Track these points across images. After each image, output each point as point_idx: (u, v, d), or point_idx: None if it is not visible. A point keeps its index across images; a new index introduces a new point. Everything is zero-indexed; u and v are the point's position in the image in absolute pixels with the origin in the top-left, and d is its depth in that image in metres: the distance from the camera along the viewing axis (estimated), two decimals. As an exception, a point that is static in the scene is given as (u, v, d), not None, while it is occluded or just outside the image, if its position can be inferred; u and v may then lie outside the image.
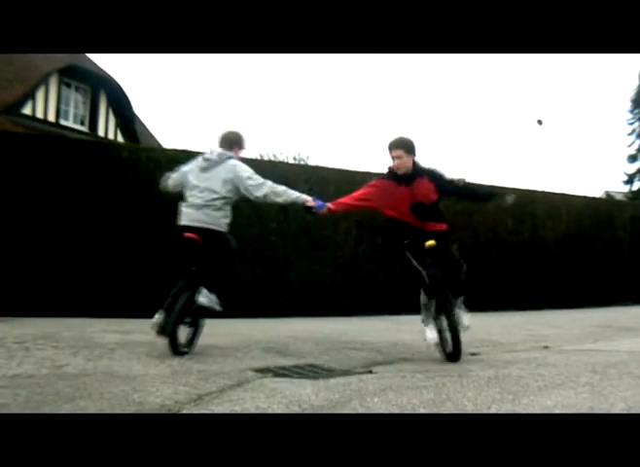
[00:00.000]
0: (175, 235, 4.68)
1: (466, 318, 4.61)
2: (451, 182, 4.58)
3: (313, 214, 4.69)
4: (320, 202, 4.58)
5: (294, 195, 4.61)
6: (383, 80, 62.52)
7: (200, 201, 4.52)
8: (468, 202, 9.42)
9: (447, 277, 4.47)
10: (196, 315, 4.57)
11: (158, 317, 4.37)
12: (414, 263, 4.44)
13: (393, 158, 4.44)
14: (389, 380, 3.52)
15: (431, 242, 4.42)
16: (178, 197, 4.60)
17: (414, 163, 4.48)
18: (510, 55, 61.25)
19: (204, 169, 4.62)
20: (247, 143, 4.96)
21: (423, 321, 4.57)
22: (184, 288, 4.48)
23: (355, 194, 4.63)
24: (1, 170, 7.72)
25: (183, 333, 4.49)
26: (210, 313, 4.64)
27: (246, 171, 4.59)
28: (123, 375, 3.61)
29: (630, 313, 10.14)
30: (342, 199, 4.66)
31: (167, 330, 4.33)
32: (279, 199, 4.60)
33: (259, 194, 4.54)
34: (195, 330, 4.64)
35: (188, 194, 4.63)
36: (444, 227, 4.59)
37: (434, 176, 4.52)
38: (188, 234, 4.52)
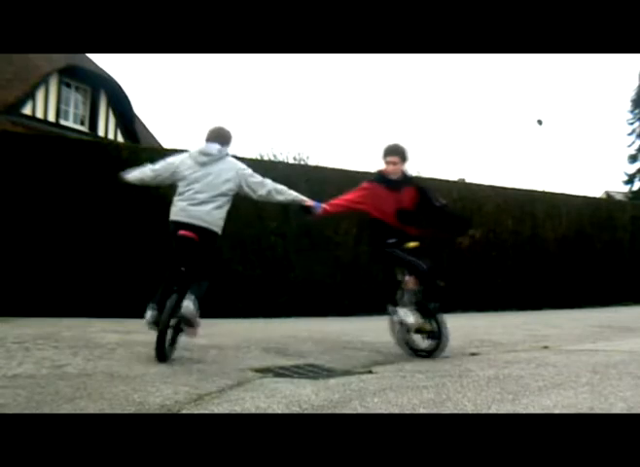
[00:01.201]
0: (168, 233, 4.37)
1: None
2: (434, 205, 4.77)
3: (309, 214, 4.76)
4: (316, 203, 4.68)
5: (293, 194, 4.64)
6: (383, 80, 62.53)
7: (203, 197, 4.28)
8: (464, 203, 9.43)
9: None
10: (179, 319, 4.17)
11: (150, 314, 4.14)
12: (404, 257, 4.61)
13: (388, 163, 4.67)
14: (389, 380, 3.52)
15: (414, 243, 4.62)
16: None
17: (403, 171, 4.75)
18: (510, 55, 61.25)
19: (203, 164, 4.38)
20: (231, 138, 4.68)
21: (396, 312, 4.71)
22: (172, 290, 4.19)
23: (348, 195, 4.80)
24: (1, 170, 7.72)
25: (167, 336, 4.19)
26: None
27: (247, 169, 4.52)
28: (123, 375, 3.61)
29: (630, 313, 10.14)
30: (336, 201, 4.80)
31: (161, 326, 4.04)
32: (281, 197, 4.57)
33: (262, 191, 4.49)
34: (177, 333, 4.28)
35: (184, 187, 4.35)
36: (424, 233, 4.82)
37: (422, 191, 4.79)
38: (184, 233, 4.24)
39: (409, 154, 4.75)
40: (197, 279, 4.28)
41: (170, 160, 4.53)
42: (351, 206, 4.81)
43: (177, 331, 4.26)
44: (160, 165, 4.52)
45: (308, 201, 4.66)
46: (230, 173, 4.40)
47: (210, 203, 4.29)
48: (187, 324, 4.17)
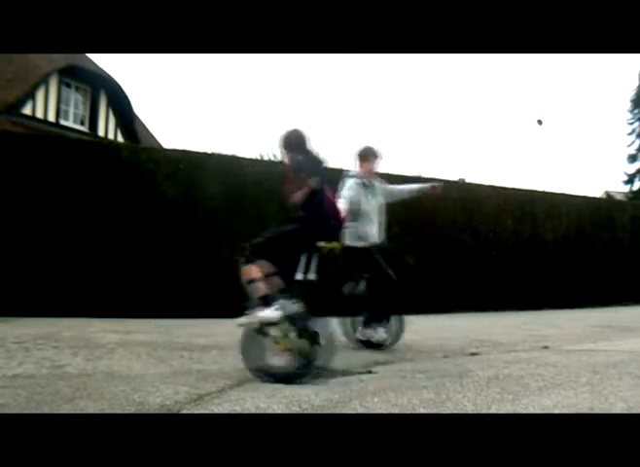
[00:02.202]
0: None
1: None
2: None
3: None
4: None
5: None
6: (383, 80, 62.54)
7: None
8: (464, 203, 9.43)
9: None
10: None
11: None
12: None
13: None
14: (389, 380, 3.52)
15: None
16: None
17: (294, 158, 4.03)
18: (510, 55, 61.27)
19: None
20: (373, 155, 5.33)
21: None
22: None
23: None
24: (1, 170, 7.72)
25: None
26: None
27: (342, 189, 5.13)
28: (123, 375, 3.61)
29: (630, 313, 10.14)
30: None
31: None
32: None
33: None
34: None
35: None
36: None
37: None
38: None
39: (295, 139, 4.08)
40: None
41: None
42: None
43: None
44: None
45: None
46: None
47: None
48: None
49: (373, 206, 5.25)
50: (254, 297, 3.68)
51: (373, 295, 5.08)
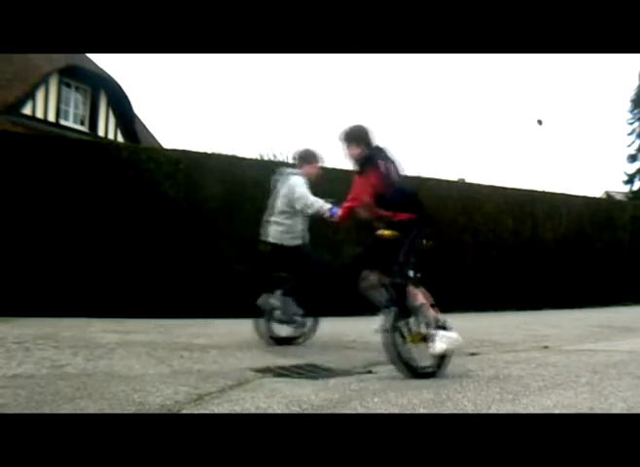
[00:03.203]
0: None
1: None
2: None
3: (333, 223, 4.90)
4: (334, 210, 4.73)
5: (317, 205, 4.89)
6: (383, 80, 62.54)
7: (267, 218, 5.20)
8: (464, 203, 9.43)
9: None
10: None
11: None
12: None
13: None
14: (389, 380, 3.52)
15: (382, 232, 3.97)
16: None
17: (367, 152, 4.12)
18: (510, 55, 61.32)
19: (274, 188, 5.26)
20: (320, 158, 5.38)
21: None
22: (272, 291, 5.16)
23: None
24: (1, 170, 7.72)
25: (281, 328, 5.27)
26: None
27: (297, 186, 5.03)
28: (123, 375, 3.61)
29: (630, 313, 10.15)
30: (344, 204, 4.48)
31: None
32: (310, 211, 4.99)
33: (298, 207, 5.01)
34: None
35: None
36: (402, 216, 4.05)
37: (382, 167, 4.05)
38: (262, 247, 5.25)
39: (365, 132, 4.17)
40: (287, 288, 5.14)
41: None
42: (351, 205, 4.33)
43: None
44: None
45: (326, 212, 4.79)
46: (284, 191, 5.10)
47: (271, 222, 5.16)
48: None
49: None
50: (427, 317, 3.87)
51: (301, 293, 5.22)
